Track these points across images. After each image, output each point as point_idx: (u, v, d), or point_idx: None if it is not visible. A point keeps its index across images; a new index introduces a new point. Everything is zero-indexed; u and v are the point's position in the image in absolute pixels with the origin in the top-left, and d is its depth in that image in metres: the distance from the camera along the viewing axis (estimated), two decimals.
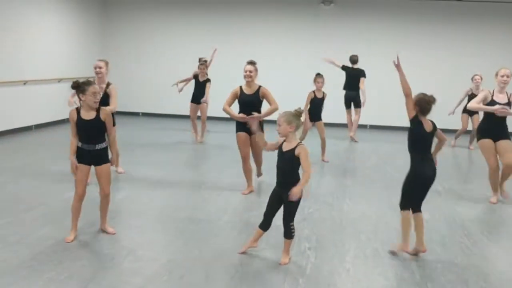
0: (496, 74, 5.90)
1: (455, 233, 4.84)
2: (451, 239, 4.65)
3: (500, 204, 5.91)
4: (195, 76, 9.68)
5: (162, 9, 12.72)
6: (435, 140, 4.18)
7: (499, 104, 5.65)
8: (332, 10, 12.12)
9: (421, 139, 4.06)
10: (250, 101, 5.71)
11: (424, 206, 5.63)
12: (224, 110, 5.77)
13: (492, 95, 5.81)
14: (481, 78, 9.31)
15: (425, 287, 3.63)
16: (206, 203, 5.57)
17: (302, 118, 3.92)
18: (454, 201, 6.01)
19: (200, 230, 4.66)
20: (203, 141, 9.39)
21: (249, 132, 5.68)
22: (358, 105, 10.17)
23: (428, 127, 4.05)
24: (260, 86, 5.79)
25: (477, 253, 4.36)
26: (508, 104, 5.72)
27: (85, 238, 4.36)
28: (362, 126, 12.17)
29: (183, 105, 12.75)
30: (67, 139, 9.75)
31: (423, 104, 4.04)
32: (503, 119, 5.74)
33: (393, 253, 4.20)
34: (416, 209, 4.17)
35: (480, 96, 5.85)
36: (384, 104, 12.07)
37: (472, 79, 9.47)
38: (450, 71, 11.63)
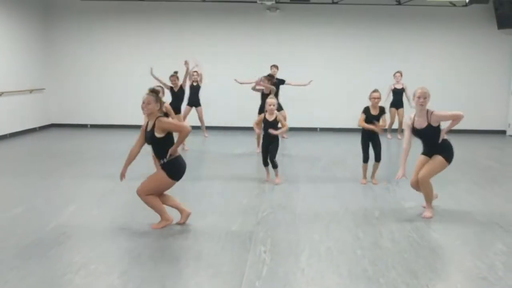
0: (413, 95, 5.49)
1: (404, 228, 5.02)
2: (400, 234, 4.82)
3: (443, 199, 6.18)
4: (171, 88, 9.52)
5: (107, 19, 12.49)
6: None
7: (419, 129, 5.34)
8: (278, 17, 12.32)
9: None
10: None
11: (374, 203, 5.81)
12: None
13: (413, 122, 5.39)
14: (401, 75, 11.00)
15: (377, 282, 3.74)
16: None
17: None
18: (402, 197, 6.23)
19: (153, 240, 4.60)
20: (188, 149, 9.25)
21: None
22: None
23: None
24: None
25: (425, 246, 4.54)
26: (428, 128, 5.34)
27: (34, 254, 4.20)
28: (312, 129, 12.43)
29: (133, 115, 12.62)
30: (12, 155, 9.36)
31: None
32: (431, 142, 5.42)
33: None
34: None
35: (406, 133, 5.47)
36: (331, 106, 12.37)
37: (394, 75, 11.03)
38: (387, 70, 11.96)
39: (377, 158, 6.94)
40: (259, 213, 5.42)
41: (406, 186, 6.73)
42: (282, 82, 10.35)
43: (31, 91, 11.84)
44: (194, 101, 10.63)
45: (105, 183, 6.75)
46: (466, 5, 11.67)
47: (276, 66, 10.36)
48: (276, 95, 10.18)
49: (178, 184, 6.93)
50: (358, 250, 4.37)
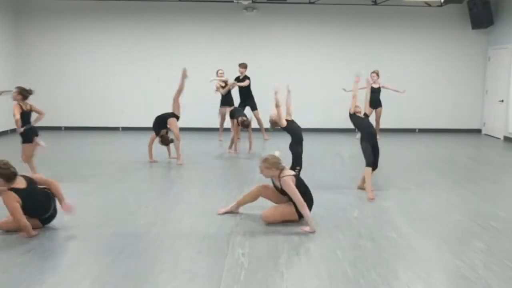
0: None
1: (383, 227, 4.98)
2: (379, 234, 4.77)
3: (422, 198, 6.18)
4: None
5: (82, 18, 12.21)
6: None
7: None
8: (255, 16, 12.24)
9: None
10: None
11: (353, 203, 5.76)
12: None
13: None
14: (377, 75, 10.84)
15: (358, 284, 3.67)
16: (134, 216, 5.34)
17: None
18: (379, 196, 6.20)
19: (127, 245, 4.45)
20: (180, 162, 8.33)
21: None
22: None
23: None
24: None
25: (405, 245, 4.50)
26: None
27: None
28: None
29: (110, 117, 12.37)
30: None
31: None
32: None
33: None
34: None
35: None
36: (308, 107, 12.32)
37: (370, 75, 10.70)
38: (364, 70, 11.89)
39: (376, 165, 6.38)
40: (238, 215, 5.31)
41: (385, 186, 6.75)
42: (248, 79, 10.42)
43: (1, 93, 11.48)
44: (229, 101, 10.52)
45: (77, 188, 6.54)
46: (441, 5, 11.78)
47: (241, 65, 10.40)
48: (248, 91, 10.24)
49: (156, 185, 6.80)
50: (338, 252, 4.30)
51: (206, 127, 12.14)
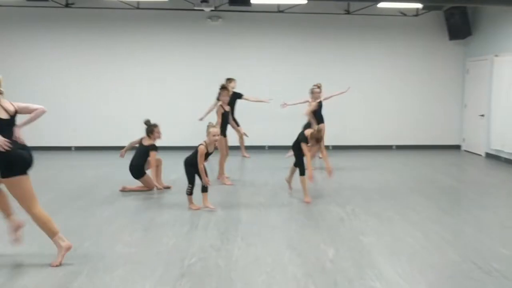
0: None
1: (363, 273, 4.04)
2: (360, 284, 3.83)
3: (407, 230, 5.30)
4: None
5: (29, 27, 11.09)
6: None
7: None
8: (220, 26, 11.34)
9: None
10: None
11: (327, 239, 4.83)
12: None
13: None
14: (318, 88, 9.10)
15: None
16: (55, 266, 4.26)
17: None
18: (358, 229, 5.29)
19: None
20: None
21: None
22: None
23: None
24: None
25: None
26: None
27: None
28: (260, 147, 11.43)
29: (62, 136, 11.21)
30: None
31: None
32: None
33: None
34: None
35: None
36: (279, 122, 11.39)
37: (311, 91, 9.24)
38: (337, 81, 11.12)
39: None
40: (186, 260, 4.30)
41: (363, 214, 5.85)
42: (239, 96, 9.49)
43: None
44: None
45: None
46: (416, 14, 11.15)
47: (231, 80, 9.61)
48: (232, 110, 9.19)
49: (94, 220, 5.61)
50: None
51: (178, 146, 11.12)
